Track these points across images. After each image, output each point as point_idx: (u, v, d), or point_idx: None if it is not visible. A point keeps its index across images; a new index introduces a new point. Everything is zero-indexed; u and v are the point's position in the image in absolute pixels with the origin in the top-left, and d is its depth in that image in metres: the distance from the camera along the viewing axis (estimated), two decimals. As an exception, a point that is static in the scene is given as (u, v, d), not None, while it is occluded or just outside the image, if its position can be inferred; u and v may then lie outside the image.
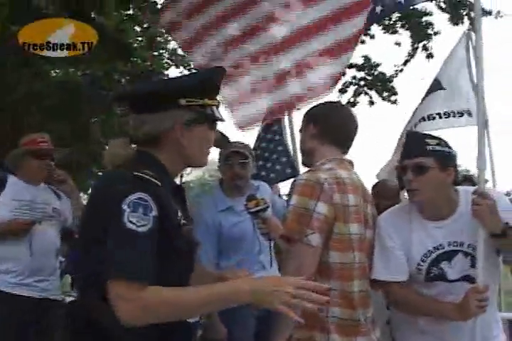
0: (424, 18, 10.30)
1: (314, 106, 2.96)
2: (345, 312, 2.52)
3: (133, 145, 2.01)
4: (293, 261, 2.48)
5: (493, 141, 5.30)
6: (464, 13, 9.66)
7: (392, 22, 10.39)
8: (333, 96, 11.60)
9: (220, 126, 2.13)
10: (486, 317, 2.61)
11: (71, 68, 11.76)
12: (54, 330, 3.81)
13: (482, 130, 2.92)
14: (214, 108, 1.99)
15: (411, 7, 9.46)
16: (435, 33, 10.45)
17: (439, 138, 2.75)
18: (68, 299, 5.98)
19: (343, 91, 11.30)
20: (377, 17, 3.37)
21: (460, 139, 6.41)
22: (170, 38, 12.50)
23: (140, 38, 11.30)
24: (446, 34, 10.85)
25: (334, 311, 2.50)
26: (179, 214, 1.90)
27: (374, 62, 11.06)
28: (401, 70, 10.98)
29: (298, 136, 3.00)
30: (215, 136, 2.06)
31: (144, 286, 1.69)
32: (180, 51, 13.30)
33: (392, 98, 11.14)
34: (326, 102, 3.10)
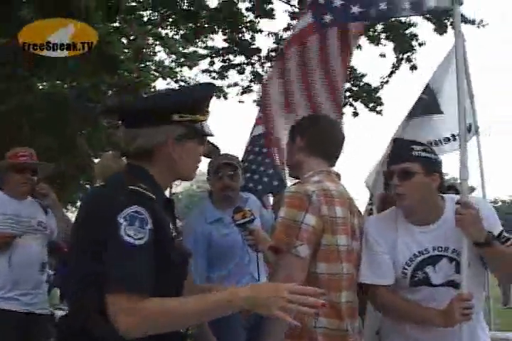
0: (409, 30, 10.40)
1: (301, 119, 3.01)
2: (332, 322, 2.55)
3: (123, 159, 2.04)
4: (282, 272, 2.51)
5: (490, 141, 5.28)
6: (449, 23, 9.75)
7: (376, 33, 10.49)
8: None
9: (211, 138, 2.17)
10: (472, 324, 2.65)
11: (58, 81, 11.77)
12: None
13: (464, 141, 2.96)
14: (204, 123, 2.03)
15: (393, 18, 9.57)
16: (420, 44, 10.56)
17: (425, 145, 2.84)
18: (57, 312, 5.98)
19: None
20: (353, 17, 3.22)
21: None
22: (156, 49, 12.61)
23: (127, 50, 11.32)
24: (432, 45, 10.99)
25: (322, 321, 2.53)
26: (171, 226, 1.94)
27: (359, 73, 11.14)
28: (386, 82, 11.07)
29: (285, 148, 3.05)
30: (207, 147, 2.11)
31: (143, 298, 1.72)
32: (167, 63, 13.40)
33: (378, 108, 11.23)
34: (313, 115, 3.15)
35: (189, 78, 13.96)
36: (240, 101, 12.56)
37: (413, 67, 10.68)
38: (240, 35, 11.77)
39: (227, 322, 3.02)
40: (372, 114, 11.27)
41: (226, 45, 12.05)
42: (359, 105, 11.28)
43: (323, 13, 3.08)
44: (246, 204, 3.66)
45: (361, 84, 11.11)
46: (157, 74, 12.89)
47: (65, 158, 11.40)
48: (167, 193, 2.37)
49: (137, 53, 11.31)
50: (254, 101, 11.96)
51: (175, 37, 11.70)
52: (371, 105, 11.14)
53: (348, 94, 11.19)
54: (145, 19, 11.05)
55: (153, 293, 1.75)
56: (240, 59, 12.32)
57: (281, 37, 11.53)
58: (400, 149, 2.79)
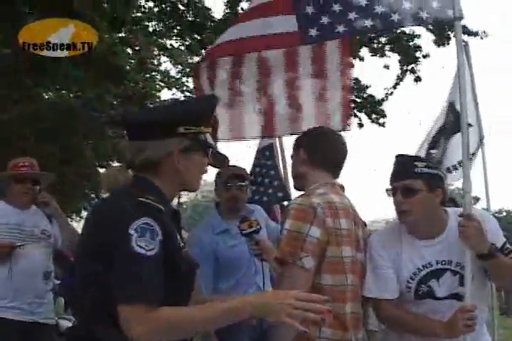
0: (412, 42, 10.41)
1: (304, 132, 3.04)
2: (337, 333, 2.57)
3: (129, 171, 2.08)
4: (286, 283, 2.54)
5: (491, 141, 5.32)
6: (451, 35, 9.76)
7: (380, 45, 10.52)
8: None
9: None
10: (475, 335, 2.67)
11: (63, 90, 11.83)
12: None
13: (467, 153, 2.99)
14: (207, 135, 2.07)
15: (399, 29, 9.59)
16: (424, 56, 10.57)
17: (427, 161, 2.88)
18: (62, 322, 5.97)
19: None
20: (338, 35, 3.24)
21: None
22: (162, 60, 12.65)
23: (132, 61, 11.37)
24: (435, 56, 11.01)
25: (326, 332, 2.55)
26: (178, 237, 1.97)
27: (363, 85, 11.15)
28: (391, 93, 11.07)
29: (289, 161, 3.08)
30: (217, 157, 2.15)
31: (155, 308, 1.75)
32: (172, 73, 13.42)
33: (381, 120, 11.22)
34: (316, 128, 3.18)
35: (195, 88, 13.89)
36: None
37: (417, 79, 10.69)
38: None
39: (234, 333, 3.04)
40: (374, 126, 11.24)
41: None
42: (363, 117, 11.27)
43: (309, 26, 3.13)
44: (252, 215, 3.68)
45: (365, 95, 11.10)
46: (162, 84, 12.91)
47: (70, 167, 11.43)
48: (174, 203, 2.39)
49: (142, 64, 11.34)
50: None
51: (180, 48, 11.74)
52: (373, 117, 11.13)
53: (352, 105, 11.19)
54: (150, 30, 11.10)
55: (162, 302, 1.78)
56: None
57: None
58: (403, 166, 2.82)
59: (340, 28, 3.04)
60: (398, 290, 2.78)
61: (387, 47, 10.54)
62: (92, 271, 1.84)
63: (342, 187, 2.86)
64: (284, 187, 4.90)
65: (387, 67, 11.04)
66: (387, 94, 11.05)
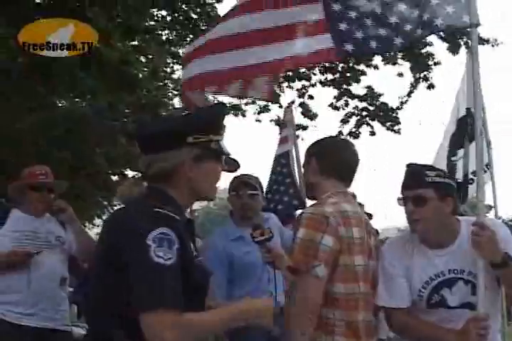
0: (425, 49, 10.39)
1: (316, 141, 3.05)
2: (350, 341, 2.58)
3: (144, 182, 2.10)
4: (299, 291, 2.55)
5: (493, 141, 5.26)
6: (462, 42, 9.75)
7: (392, 54, 10.50)
8: (334, 126, 11.63)
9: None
10: None
11: (76, 99, 11.89)
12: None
13: (480, 161, 2.98)
14: (219, 142, 2.09)
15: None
16: (435, 64, 10.55)
17: (438, 169, 2.85)
18: (75, 329, 5.97)
19: (344, 121, 11.38)
20: (370, 49, 3.18)
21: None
22: (175, 68, 12.68)
23: (145, 69, 11.42)
24: (447, 64, 10.97)
25: (339, 340, 2.55)
26: (191, 246, 1.99)
27: (376, 93, 11.13)
28: (406, 101, 11.04)
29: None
30: (229, 161, 2.16)
31: (180, 313, 1.78)
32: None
33: (396, 128, 11.18)
34: (327, 137, 3.19)
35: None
36: (257, 120, 12.56)
37: (430, 86, 10.66)
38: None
39: (248, 337, 3.06)
40: (388, 134, 11.21)
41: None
42: (376, 124, 11.24)
43: (343, 40, 3.07)
44: (266, 223, 3.69)
45: (378, 103, 11.08)
46: (175, 92, 12.96)
47: (82, 175, 11.49)
48: (187, 211, 2.41)
49: (155, 72, 11.39)
50: (272, 120, 11.98)
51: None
52: (388, 124, 11.09)
53: (364, 113, 11.18)
54: (163, 38, 11.15)
55: None
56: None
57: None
58: (414, 175, 2.81)
59: (373, 44, 3.04)
60: (410, 298, 2.78)
61: (399, 55, 10.52)
62: (107, 282, 1.87)
63: (354, 196, 2.87)
64: (300, 195, 4.90)
65: (400, 74, 11.01)
66: (402, 102, 11.02)
